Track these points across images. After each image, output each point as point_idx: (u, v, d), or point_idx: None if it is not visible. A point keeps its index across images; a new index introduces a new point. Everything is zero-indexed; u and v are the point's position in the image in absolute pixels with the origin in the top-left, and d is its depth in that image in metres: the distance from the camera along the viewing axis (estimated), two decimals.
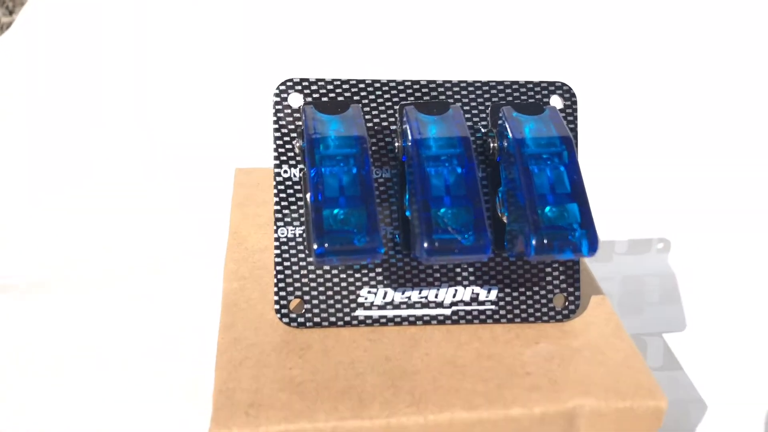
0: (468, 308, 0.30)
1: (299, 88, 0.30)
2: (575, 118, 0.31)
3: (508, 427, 0.27)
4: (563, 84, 0.31)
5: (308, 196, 0.28)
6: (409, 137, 0.28)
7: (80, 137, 0.63)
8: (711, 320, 0.50)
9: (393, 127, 0.30)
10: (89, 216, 0.52)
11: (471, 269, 0.30)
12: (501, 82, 0.31)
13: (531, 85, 0.31)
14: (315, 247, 0.25)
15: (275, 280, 0.30)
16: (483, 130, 0.30)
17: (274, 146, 0.30)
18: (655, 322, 0.51)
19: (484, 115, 0.31)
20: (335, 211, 0.26)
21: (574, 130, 0.31)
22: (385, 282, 0.30)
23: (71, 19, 0.74)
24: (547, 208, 0.26)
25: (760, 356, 0.47)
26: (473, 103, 0.31)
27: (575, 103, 0.31)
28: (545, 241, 0.26)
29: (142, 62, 0.71)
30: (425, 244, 0.25)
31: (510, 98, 0.31)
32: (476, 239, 0.26)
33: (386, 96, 0.30)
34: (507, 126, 0.28)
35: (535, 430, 0.27)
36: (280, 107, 0.30)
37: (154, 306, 0.43)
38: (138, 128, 0.65)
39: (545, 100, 0.31)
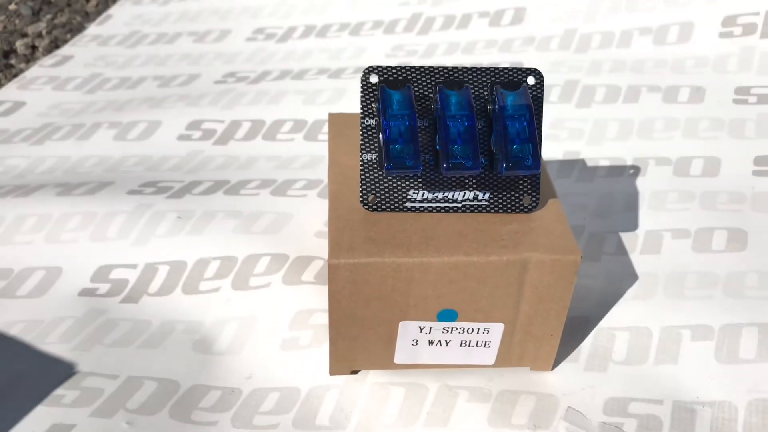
0: (471, 203, 0.52)
1: (376, 72, 0.51)
2: (542, 90, 0.51)
3: (488, 267, 0.49)
4: (536, 69, 0.51)
5: (380, 136, 0.50)
6: (439, 104, 0.49)
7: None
8: (656, 224, 0.71)
9: (431, 95, 0.51)
10: None
11: (473, 181, 0.52)
12: (497, 67, 0.51)
13: (516, 70, 0.51)
14: (385, 164, 0.47)
15: (360, 185, 0.52)
16: (485, 96, 0.51)
17: (361, 106, 0.51)
18: (616, 224, 0.71)
19: (486, 88, 0.51)
20: (396, 146, 0.47)
21: (541, 99, 0.51)
22: (422, 187, 0.52)
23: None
24: (515, 146, 0.47)
25: (686, 243, 0.67)
26: (480, 82, 0.51)
27: (542, 81, 0.51)
28: (511, 164, 0.47)
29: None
30: (444, 165, 0.47)
31: (503, 78, 0.51)
32: (473, 163, 0.47)
33: (428, 77, 0.51)
34: (496, 98, 0.49)
35: (503, 270, 0.49)
36: (365, 83, 0.51)
37: None
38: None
39: (525, 78, 0.51)
